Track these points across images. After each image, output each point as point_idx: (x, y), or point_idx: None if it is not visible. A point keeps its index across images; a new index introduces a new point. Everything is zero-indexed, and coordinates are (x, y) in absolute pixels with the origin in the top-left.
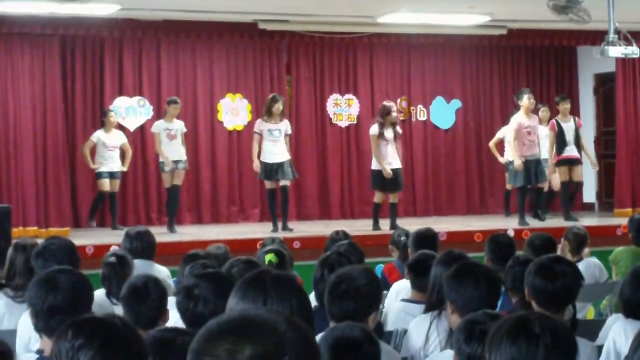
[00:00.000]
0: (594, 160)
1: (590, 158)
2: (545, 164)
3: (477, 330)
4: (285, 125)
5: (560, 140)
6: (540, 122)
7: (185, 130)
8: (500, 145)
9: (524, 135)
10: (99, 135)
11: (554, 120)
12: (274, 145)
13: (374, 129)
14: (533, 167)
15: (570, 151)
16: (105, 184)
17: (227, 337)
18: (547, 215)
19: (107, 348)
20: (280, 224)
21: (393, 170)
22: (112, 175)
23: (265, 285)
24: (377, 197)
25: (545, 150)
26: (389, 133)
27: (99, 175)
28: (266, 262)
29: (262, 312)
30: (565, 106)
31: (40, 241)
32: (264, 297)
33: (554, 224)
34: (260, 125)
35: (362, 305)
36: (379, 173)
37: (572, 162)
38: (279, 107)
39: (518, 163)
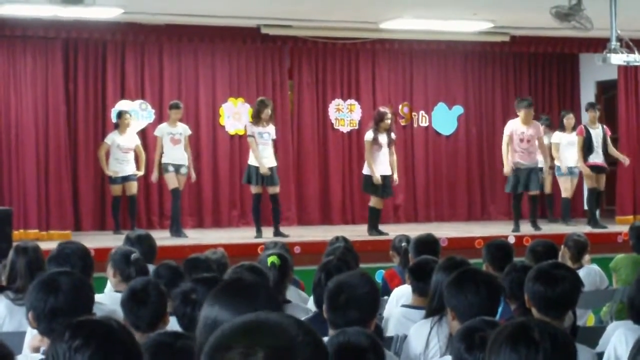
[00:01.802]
0: (624, 157)
1: (620, 157)
2: (569, 173)
3: (476, 338)
4: (273, 129)
5: (586, 146)
6: (565, 129)
7: (189, 133)
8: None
9: (516, 142)
10: (113, 137)
11: (582, 126)
12: (264, 149)
13: (369, 135)
14: (523, 175)
15: (596, 158)
16: (117, 190)
17: (240, 341)
18: (554, 221)
19: (105, 349)
20: (271, 230)
21: (383, 176)
22: (125, 179)
23: (249, 291)
24: (373, 201)
25: (567, 158)
26: (383, 139)
27: (112, 181)
28: (269, 265)
29: (274, 315)
30: (593, 114)
31: (41, 244)
32: (249, 303)
33: (555, 231)
34: (251, 128)
35: (365, 313)
36: (370, 178)
37: (599, 170)
38: (268, 112)
39: (506, 170)
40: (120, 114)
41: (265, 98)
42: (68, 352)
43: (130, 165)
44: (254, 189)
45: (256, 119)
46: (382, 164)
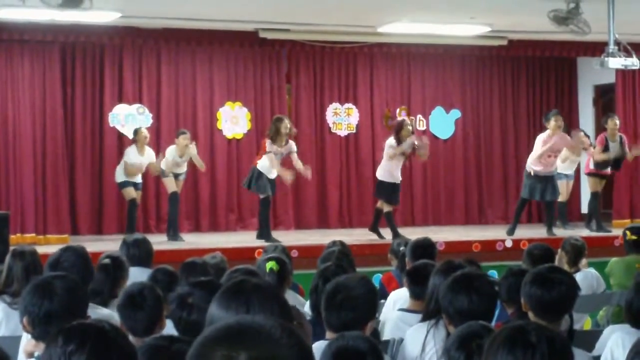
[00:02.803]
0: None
1: (630, 155)
2: (565, 177)
3: (474, 345)
4: (292, 145)
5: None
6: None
7: (195, 152)
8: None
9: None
10: (130, 155)
11: (603, 136)
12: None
13: (392, 143)
14: (542, 184)
15: (605, 168)
16: (132, 192)
17: (223, 344)
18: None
19: (99, 351)
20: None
21: (398, 184)
22: (135, 185)
23: (247, 293)
24: (387, 206)
25: (564, 165)
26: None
27: (123, 185)
28: (267, 270)
29: (258, 319)
30: (613, 126)
31: (38, 248)
32: (246, 305)
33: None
34: (270, 146)
35: (360, 315)
36: (389, 185)
37: (603, 176)
38: (286, 125)
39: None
40: (136, 132)
41: (279, 115)
42: (63, 356)
43: (139, 176)
44: (262, 194)
45: (275, 136)
46: (398, 171)
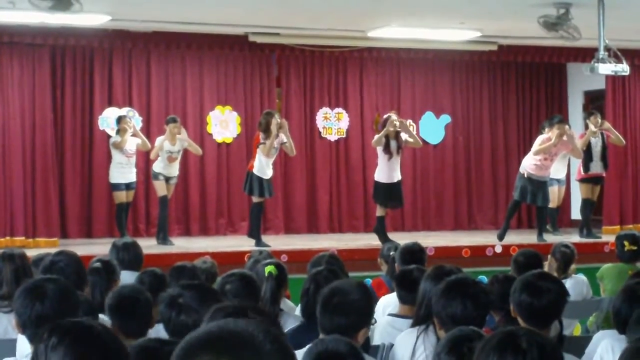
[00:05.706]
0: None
1: (619, 136)
2: (556, 183)
3: (465, 349)
4: (282, 137)
5: (587, 155)
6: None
7: (186, 145)
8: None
9: (539, 156)
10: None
11: (584, 134)
12: (269, 161)
13: (378, 141)
14: (533, 187)
15: (595, 168)
16: (122, 196)
17: (206, 348)
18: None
19: (79, 347)
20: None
21: (394, 184)
22: (128, 186)
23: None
24: (380, 210)
25: (556, 169)
26: (393, 145)
27: (115, 187)
28: (266, 274)
29: (240, 323)
30: (594, 121)
31: (27, 251)
32: None
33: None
34: (264, 140)
35: (353, 320)
36: (382, 186)
37: (596, 181)
38: (276, 120)
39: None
40: (119, 119)
41: (269, 109)
42: (45, 351)
43: (133, 171)
44: (256, 198)
45: (266, 132)
46: (394, 170)
